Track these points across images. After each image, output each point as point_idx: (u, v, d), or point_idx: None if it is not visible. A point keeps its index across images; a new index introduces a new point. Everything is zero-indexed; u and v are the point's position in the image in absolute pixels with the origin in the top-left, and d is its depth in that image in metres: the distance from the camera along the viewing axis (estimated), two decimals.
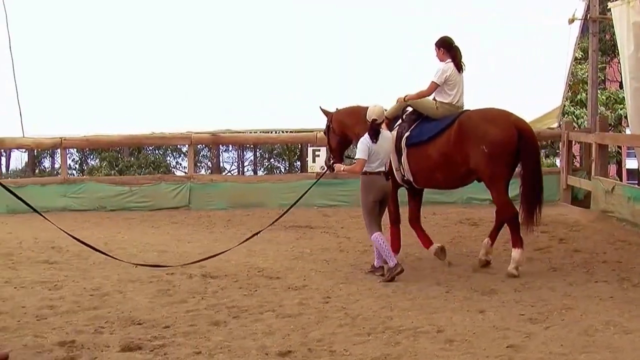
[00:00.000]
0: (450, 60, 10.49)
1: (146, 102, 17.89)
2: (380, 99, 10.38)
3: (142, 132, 18.42)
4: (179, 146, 34.09)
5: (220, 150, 39.16)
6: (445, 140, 10.18)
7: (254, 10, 17.56)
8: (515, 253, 9.91)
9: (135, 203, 17.69)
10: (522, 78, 17.47)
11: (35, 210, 7.86)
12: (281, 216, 11.25)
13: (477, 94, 13.26)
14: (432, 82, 10.49)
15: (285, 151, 38.14)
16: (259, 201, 17.01)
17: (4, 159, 41.46)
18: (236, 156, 42.21)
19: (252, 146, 38.14)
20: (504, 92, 16.43)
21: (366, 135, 9.82)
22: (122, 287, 9.26)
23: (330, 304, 8.35)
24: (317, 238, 13.29)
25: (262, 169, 40.35)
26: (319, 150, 17.88)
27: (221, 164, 40.02)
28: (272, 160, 40.25)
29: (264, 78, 17.75)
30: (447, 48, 10.56)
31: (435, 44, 10.65)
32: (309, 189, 11.97)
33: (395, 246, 10.89)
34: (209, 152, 39.01)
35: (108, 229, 14.57)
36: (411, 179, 10.70)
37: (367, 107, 10.25)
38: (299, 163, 36.76)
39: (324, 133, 12.02)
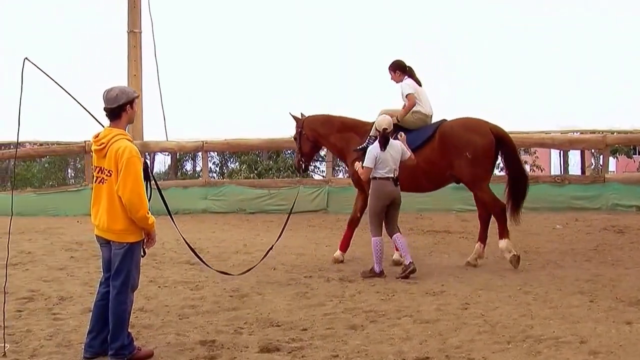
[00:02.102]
0: (406, 77, 11.31)
1: (285, 105, 18.12)
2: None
3: (281, 135, 18.67)
4: None
5: None
6: (430, 148, 10.86)
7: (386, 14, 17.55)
8: (503, 243, 10.77)
9: (274, 206, 17.96)
10: None
11: (170, 216, 7.98)
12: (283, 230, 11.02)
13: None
14: (409, 94, 11.13)
15: None
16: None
17: (148, 162, 42.73)
18: None
19: None
20: None
21: (376, 144, 10.23)
22: (260, 289, 9.38)
23: (469, 311, 8.19)
24: (454, 243, 13.12)
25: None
26: None
27: None
28: None
29: None
30: (402, 70, 11.37)
31: (390, 68, 11.44)
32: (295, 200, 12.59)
33: (344, 246, 11.59)
34: None
35: (247, 231, 14.81)
36: None
37: (339, 117, 11.79)
38: None
39: (294, 139, 12.44)
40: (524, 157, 34.23)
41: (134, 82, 18.95)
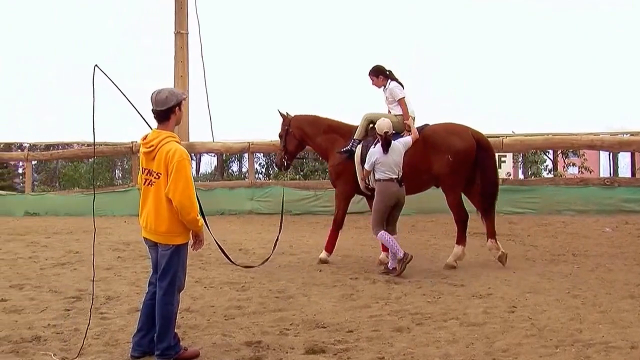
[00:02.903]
0: (389, 81, 11.55)
1: (333, 109, 18.13)
2: None
3: None
4: None
5: None
6: (412, 151, 10.91)
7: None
8: (458, 249, 11.12)
9: (320, 207, 17.96)
10: None
11: (203, 216, 7.97)
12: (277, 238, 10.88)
13: None
14: (402, 99, 11.48)
15: None
16: (444, 207, 16.74)
17: (194, 163, 43.07)
18: None
19: None
20: None
21: (378, 147, 10.55)
22: (306, 291, 9.37)
23: (516, 314, 8.10)
24: (502, 246, 12.99)
25: None
26: (505, 156, 17.57)
27: None
28: None
29: (439, 82, 17.60)
30: (384, 74, 11.61)
31: (372, 73, 11.70)
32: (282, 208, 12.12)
33: (330, 247, 11.62)
34: None
35: (293, 232, 14.81)
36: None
37: (326, 118, 12.02)
38: None
39: (280, 136, 12.50)
40: (572, 159, 33.82)
41: (180, 83, 19.11)
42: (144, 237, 6.62)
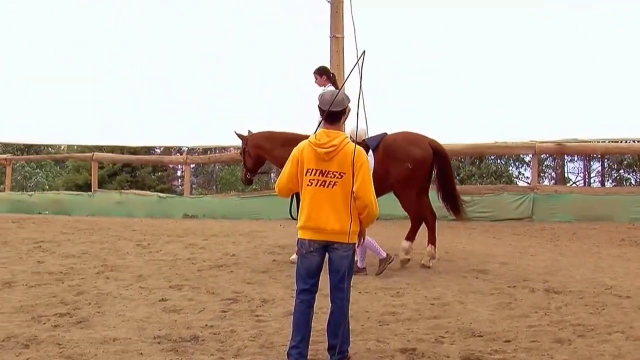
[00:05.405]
0: (330, 84, 11.86)
1: (489, 110, 17.82)
2: None
3: (484, 141, 18.39)
4: (522, 155, 33.51)
5: (565, 160, 38.09)
6: (373, 159, 11.08)
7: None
8: (407, 244, 11.52)
9: (477, 213, 17.62)
10: None
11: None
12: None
13: None
14: None
15: (636, 162, 36.30)
16: (607, 214, 16.23)
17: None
18: (582, 166, 40.71)
19: (599, 156, 36.59)
20: None
21: (369, 154, 10.83)
22: (462, 298, 9.18)
23: None
24: None
25: (610, 181, 38.65)
26: None
27: (566, 175, 38.91)
28: (621, 171, 38.43)
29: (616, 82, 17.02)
30: (327, 74, 12.09)
31: (317, 72, 12.10)
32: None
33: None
34: (553, 162, 38.09)
35: (450, 237, 14.62)
36: None
37: (282, 132, 12.49)
38: None
39: (240, 154, 13.26)
40: None
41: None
42: (312, 240, 6.50)
